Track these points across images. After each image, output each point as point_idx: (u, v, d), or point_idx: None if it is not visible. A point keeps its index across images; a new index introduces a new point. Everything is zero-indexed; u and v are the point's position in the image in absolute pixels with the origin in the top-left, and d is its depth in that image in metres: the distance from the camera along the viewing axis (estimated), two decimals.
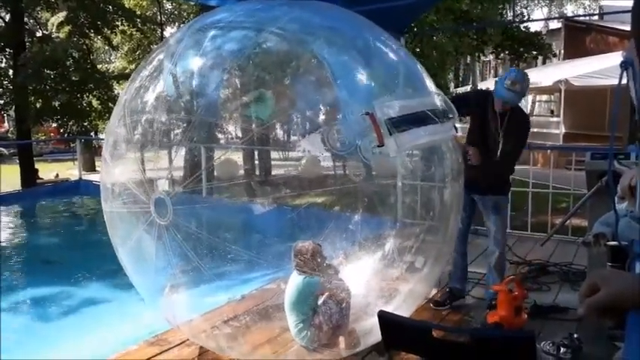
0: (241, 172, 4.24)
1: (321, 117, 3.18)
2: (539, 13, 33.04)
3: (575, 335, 3.19)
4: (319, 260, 3.18)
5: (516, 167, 3.98)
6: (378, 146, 2.44)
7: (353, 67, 3.11)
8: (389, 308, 3.12)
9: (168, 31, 23.23)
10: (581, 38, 21.24)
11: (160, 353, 3.28)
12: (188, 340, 3.44)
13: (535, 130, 16.95)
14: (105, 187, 3.10)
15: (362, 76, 3.10)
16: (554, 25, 24.07)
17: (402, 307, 3.20)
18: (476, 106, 3.85)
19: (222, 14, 3.24)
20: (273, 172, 4.67)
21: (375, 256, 3.56)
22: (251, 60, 3.03)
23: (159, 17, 19.91)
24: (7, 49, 13.23)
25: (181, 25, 21.87)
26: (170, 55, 2.90)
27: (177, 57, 2.86)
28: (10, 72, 13.41)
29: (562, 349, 3.08)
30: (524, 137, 3.83)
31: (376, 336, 2.83)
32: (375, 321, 2.89)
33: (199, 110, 2.85)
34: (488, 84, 22.04)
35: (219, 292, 3.45)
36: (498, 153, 3.70)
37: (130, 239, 2.93)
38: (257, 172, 4.47)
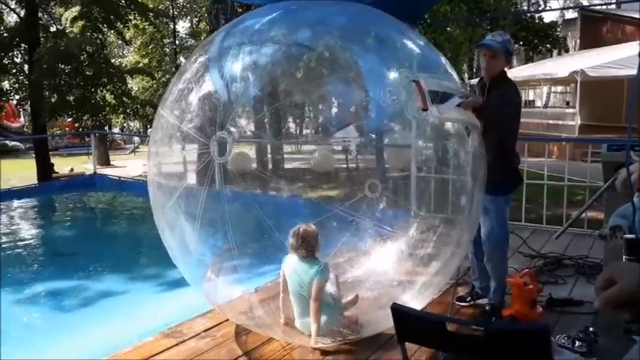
0: (254, 165, 4.30)
1: (354, 111, 3.48)
2: (555, 2, 32.60)
3: (591, 329, 3.16)
4: (318, 245, 3.23)
5: (531, 160, 3.85)
6: (423, 110, 2.74)
7: (383, 66, 3.25)
8: (405, 298, 3.22)
9: (181, 24, 23.34)
10: (597, 28, 20.93)
11: (176, 345, 3.31)
12: (203, 332, 3.48)
13: (550, 121, 16.82)
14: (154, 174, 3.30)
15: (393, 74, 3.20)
16: (570, 14, 23.76)
17: (418, 299, 3.26)
18: None
19: (257, 17, 3.38)
20: (287, 166, 4.73)
21: (391, 247, 3.59)
22: (287, 59, 3.24)
23: (171, 11, 19.98)
24: (22, 45, 13.35)
25: (193, 20, 21.94)
26: (215, 57, 3.15)
27: (222, 59, 3.11)
28: (26, 67, 13.54)
29: (577, 343, 3.06)
30: (507, 111, 3.40)
31: (390, 324, 2.99)
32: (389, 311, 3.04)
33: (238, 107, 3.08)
34: None
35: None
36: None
37: (177, 217, 3.14)
38: (270, 166, 4.52)
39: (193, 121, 3.09)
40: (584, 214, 5.08)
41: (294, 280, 3.23)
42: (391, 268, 3.57)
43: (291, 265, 3.25)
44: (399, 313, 1.86)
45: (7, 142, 22.41)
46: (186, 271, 3.41)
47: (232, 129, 2.92)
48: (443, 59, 3.36)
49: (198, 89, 3.11)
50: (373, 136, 3.69)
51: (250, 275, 3.58)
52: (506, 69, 3.67)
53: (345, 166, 3.82)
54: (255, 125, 3.42)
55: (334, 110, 3.66)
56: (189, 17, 22.97)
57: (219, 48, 3.20)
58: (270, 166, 4.60)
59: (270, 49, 3.21)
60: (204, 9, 19.73)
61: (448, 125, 3.29)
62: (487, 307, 3.65)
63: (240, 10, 11.11)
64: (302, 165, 4.13)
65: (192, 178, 3.07)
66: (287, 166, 4.79)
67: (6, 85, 14.29)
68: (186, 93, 3.15)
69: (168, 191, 3.15)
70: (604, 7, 21.79)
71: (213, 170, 2.90)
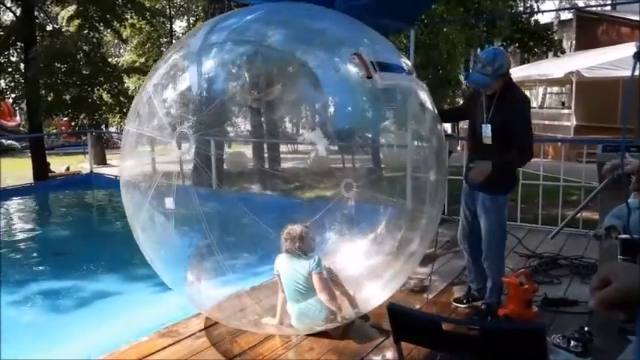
0: (250, 164, 4.36)
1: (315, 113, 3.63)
2: (551, 4, 32.66)
3: (586, 328, 3.18)
4: (308, 242, 3.32)
5: None
6: (367, 77, 2.95)
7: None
8: (378, 284, 3.46)
9: (177, 24, 23.30)
10: (592, 29, 21.01)
11: (172, 344, 3.31)
12: (199, 331, 3.48)
13: (546, 122, 16.86)
14: (125, 172, 3.35)
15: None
16: (566, 15, 23.80)
17: (390, 285, 3.47)
18: (467, 106, 3.85)
19: (236, 17, 3.50)
20: (282, 165, 4.78)
21: (366, 237, 3.73)
22: (256, 61, 3.34)
23: (168, 10, 19.94)
24: (19, 44, 13.30)
25: (190, 19, 21.91)
26: (189, 55, 3.21)
27: (196, 56, 3.17)
28: (22, 66, 13.49)
29: (572, 342, 3.07)
30: (520, 123, 3.36)
31: (365, 308, 3.43)
32: (363, 295, 3.40)
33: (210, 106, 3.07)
34: None
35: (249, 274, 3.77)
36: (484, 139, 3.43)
37: (152, 220, 3.18)
38: (266, 165, 4.58)
39: (164, 120, 3.12)
40: (579, 215, 5.08)
41: (289, 277, 3.30)
42: (365, 259, 3.70)
43: (285, 263, 3.34)
44: (396, 312, 1.87)
45: (2, 140, 22.30)
46: (165, 274, 3.42)
47: (196, 123, 2.96)
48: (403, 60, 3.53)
49: (170, 87, 3.17)
50: (368, 135, 3.79)
51: (237, 276, 3.60)
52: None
53: (338, 166, 3.91)
54: (221, 123, 3.51)
55: (307, 113, 3.77)
56: (186, 17, 22.93)
57: (191, 46, 3.30)
58: (266, 164, 4.64)
59: (245, 48, 3.30)
60: (200, 8, 19.70)
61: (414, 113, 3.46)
62: (483, 307, 3.67)
63: (236, 9, 11.10)
64: (298, 164, 4.18)
65: (163, 178, 3.12)
66: (283, 165, 4.85)
67: (2, 83, 14.22)
68: (159, 89, 3.19)
69: (141, 193, 3.18)
70: (599, 8, 21.87)
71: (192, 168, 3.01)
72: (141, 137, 3.18)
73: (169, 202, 3.00)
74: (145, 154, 3.21)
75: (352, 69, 3.10)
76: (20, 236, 8.08)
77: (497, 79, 3.37)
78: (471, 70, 3.56)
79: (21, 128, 24.89)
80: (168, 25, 20.56)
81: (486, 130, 3.41)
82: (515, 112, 3.39)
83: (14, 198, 9.97)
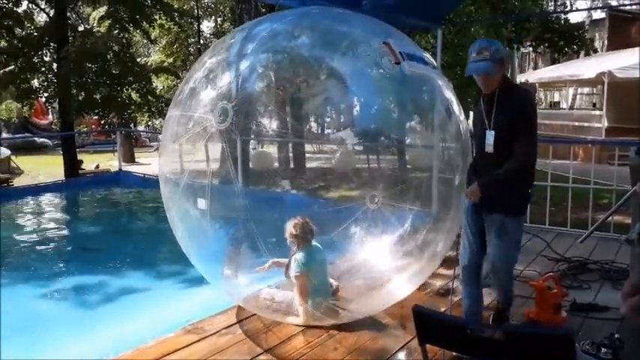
0: (276, 164, 4.43)
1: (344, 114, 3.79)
2: (583, 2, 31.99)
3: (617, 335, 3.10)
4: (310, 233, 3.54)
5: (556, 162, 3.65)
6: (396, 63, 3.05)
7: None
8: (400, 280, 3.58)
9: (205, 24, 23.58)
10: (626, 28, 20.51)
11: (197, 341, 3.35)
12: (224, 329, 3.51)
13: (576, 123, 16.53)
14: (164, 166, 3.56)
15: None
16: (598, 15, 23.30)
17: (413, 281, 3.59)
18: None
19: (267, 23, 3.65)
20: (307, 165, 4.87)
21: (390, 237, 3.81)
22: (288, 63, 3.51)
23: (196, 11, 20.18)
24: (51, 44, 13.61)
25: (217, 20, 22.14)
26: (227, 58, 3.40)
27: (234, 57, 3.37)
28: (54, 66, 13.80)
29: (602, 349, 3.00)
30: (524, 127, 2.89)
31: (389, 302, 3.53)
32: (382, 292, 3.52)
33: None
34: (527, 76, 21.48)
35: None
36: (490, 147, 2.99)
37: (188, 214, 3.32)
38: (291, 165, 4.67)
39: (201, 110, 3.26)
40: (610, 218, 4.97)
41: (324, 265, 3.55)
42: (387, 258, 3.82)
43: (310, 257, 3.48)
44: (421, 315, 1.86)
45: (35, 138, 22.88)
46: (202, 267, 3.55)
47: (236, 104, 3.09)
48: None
49: (210, 85, 3.32)
50: (395, 137, 3.83)
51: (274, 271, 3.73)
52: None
53: (365, 166, 3.95)
54: (257, 119, 3.69)
55: (338, 113, 3.93)
56: (213, 17, 23.18)
57: (231, 47, 3.46)
58: (292, 164, 4.72)
59: (276, 53, 3.46)
60: (228, 9, 19.90)
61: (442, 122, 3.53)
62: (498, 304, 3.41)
63: (263, 10, 11.16)
64: (323, 164, 4.24)
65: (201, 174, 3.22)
66: (308, 165, 4.89)
67: (35, 83, 14.57)
68: (198, 88, 3.34)
69: (175, 185, 3.33)
70: (634, 7, 21.33)
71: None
72: (182, 121, 3.35)
73: (202, 203, 3.08)
74: (184, 147, 3.40)
75: (381, 63, 3.20)
76: (51, 231, 8.28)
77: (496, 63, 2.89)
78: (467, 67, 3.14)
79: (53, 126, 25.48)
80: (196, 26, 20.82)
81: (489, 137, 2.98)
82: (521, 110, 2.94)
83: (46, 194, 10.27)
